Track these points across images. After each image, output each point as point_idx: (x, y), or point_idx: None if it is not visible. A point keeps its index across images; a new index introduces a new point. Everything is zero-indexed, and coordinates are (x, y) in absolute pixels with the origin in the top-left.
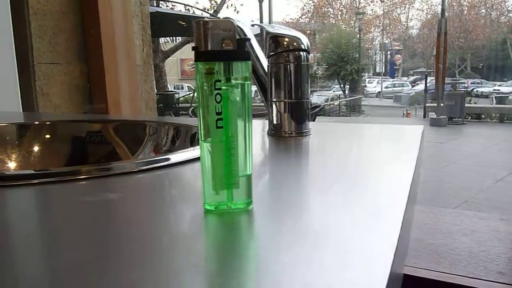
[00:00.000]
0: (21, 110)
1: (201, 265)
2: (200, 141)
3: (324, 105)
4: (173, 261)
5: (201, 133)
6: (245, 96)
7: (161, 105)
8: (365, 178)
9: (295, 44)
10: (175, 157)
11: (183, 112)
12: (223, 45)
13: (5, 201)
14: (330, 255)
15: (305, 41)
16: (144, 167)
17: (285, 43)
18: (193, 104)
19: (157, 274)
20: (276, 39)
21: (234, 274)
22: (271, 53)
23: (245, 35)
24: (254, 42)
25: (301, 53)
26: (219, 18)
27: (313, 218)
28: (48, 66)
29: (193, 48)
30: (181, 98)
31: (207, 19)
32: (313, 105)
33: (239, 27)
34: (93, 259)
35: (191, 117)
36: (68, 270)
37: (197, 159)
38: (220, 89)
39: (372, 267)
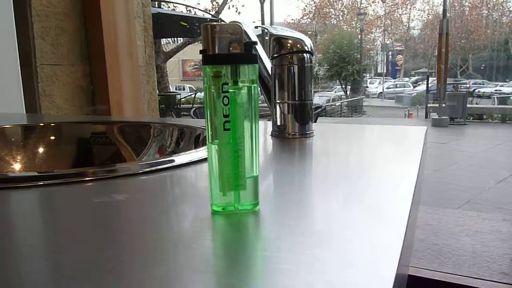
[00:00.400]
0: (24, 111)
1: (209, 265)
2: (207, 143)
3: (326, 105)
4: (181, 261)
5: (208, 135)
6: (252, 99)
7: (162, 106)
8: (369, 179)
9: (298, 46)
10: (179, 159)
11: (185, 113)
12: (231, 48)
13: (10, 203)
14: (334, 256)
15: (308, 43)
16: (149, 169)
17: (289, 45)
18: (194, 105)
19: (165, 273)
20: (279, 41)
21: (240, 274)
22: (275, 55)
23: (249, 37)
24: (258, 44)
25: (305, 55)
26: (222, 20)
27: (317, 219)
28: (51, 67)
29: (201, 52)
30: (182, 99)
31: (215, 23)
32: (314, 106)
33: (246, 32)
34: (99, 259)
35: (193, 118)
36: (73, 270)
37: (201, 160)
38: (227, 92)
39: (378, 268)
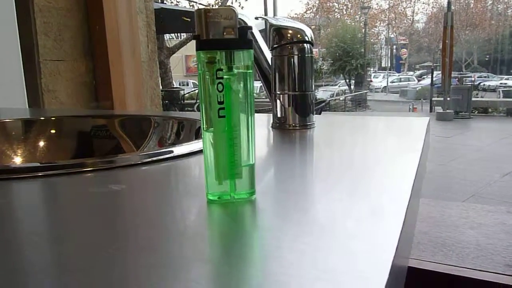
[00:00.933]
0: (27, 107)
1: (204, 254)
2: (202, 131)
3: (330, 100)
4: (175, 250)
5: (203, 123)
6: (247, 85)
7: (166, 101)
8: (369, 171)
9: (298, 36)
10: (178, 150)
11: (189, 109)
12: (225, 33)
13: (13, 193)
14: (329, 246)
15: (308, 33)
16: (148, 159)
17: (289, 35)
18: (198, 100)
19: (157, 262)
20: (279, 31)
21: (236, 263)
22: (275, 46)
23: (245, 23)
24: (258, 35)
25: (305, 45)
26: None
27: (315, 210)
28: (54, 63)
29: (195, 37)
30: (186, 95)
31: (208, 8)
32: (318, 100)
33: (243, 20)
34: (94, 248)
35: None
36: (70, 259)
37: (200, 151)
38: (222, 78)
39: (374, 259)
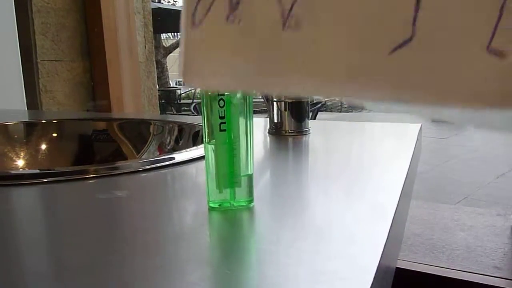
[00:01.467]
0: (26, 107)
1: (205, 258)
2: (204, 143)
3: (326, 100)
4: (178, 253)
5: (205, 135)
6: (246, 101)
7: (163, 101)
8: (361, 175)
9: None
10: (179, 156)
11: (185, 108)
12: None
13: (13, 200)
14: (320, 248)
15: None
16: (150, 166)
17: None
18: (195, 100)
19: (163, 264)
20: None
21: (234, 266)
22: None
23: None
24: None
25: None
26: None
27: (310, 213)
28: (52, 63)
29: None
30: (183, 94)
31: None
32: (314, 101)
33: None
34: (100, 251)
35: (193, 113)
36: (75, 263)
37: (200, 158)
38: (223, 94)
39: (360, 259)
